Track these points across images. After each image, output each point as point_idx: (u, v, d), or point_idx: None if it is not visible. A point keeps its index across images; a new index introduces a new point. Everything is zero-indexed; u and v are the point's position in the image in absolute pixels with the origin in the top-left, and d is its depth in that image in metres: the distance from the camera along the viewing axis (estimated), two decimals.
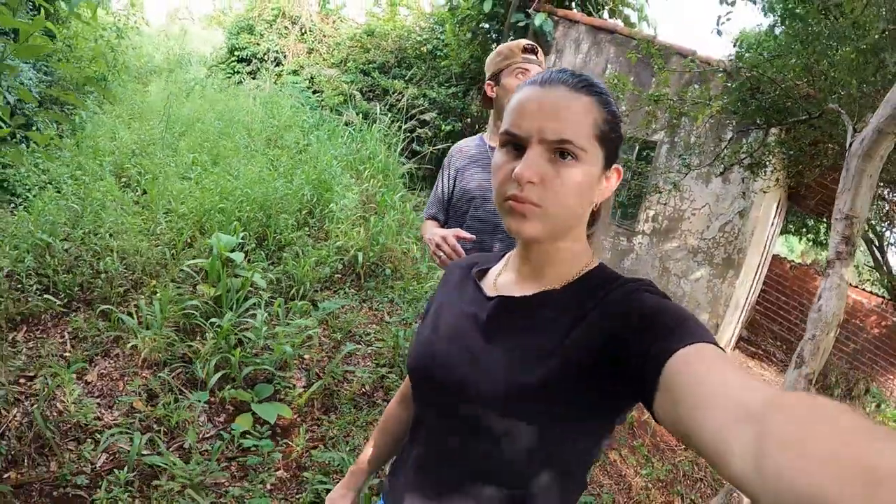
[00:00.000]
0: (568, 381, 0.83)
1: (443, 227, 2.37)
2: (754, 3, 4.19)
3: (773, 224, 7.53)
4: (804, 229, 9.80)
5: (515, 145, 0.91)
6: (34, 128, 4.58)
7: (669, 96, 4.69)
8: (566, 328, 0.88)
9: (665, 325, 0.75)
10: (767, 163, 4.81)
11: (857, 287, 9.25)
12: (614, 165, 0.96)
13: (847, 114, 3.44)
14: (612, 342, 0.80)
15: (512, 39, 7.51)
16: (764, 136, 4.62)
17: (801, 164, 5.01)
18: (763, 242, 6.93)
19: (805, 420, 0.49)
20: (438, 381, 0.98)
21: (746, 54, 5.23)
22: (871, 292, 9.21)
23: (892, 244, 7.59)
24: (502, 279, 1.06)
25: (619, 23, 8.00)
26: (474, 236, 2.04)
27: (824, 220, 9.15)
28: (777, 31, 5.00)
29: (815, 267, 10.02)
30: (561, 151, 0.87)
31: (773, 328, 10.07)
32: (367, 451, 1.31)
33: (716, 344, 0.71)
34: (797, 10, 4.13)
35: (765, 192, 5.45)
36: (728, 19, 3.69)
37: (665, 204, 5.90)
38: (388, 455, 1.32)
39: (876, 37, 3.34)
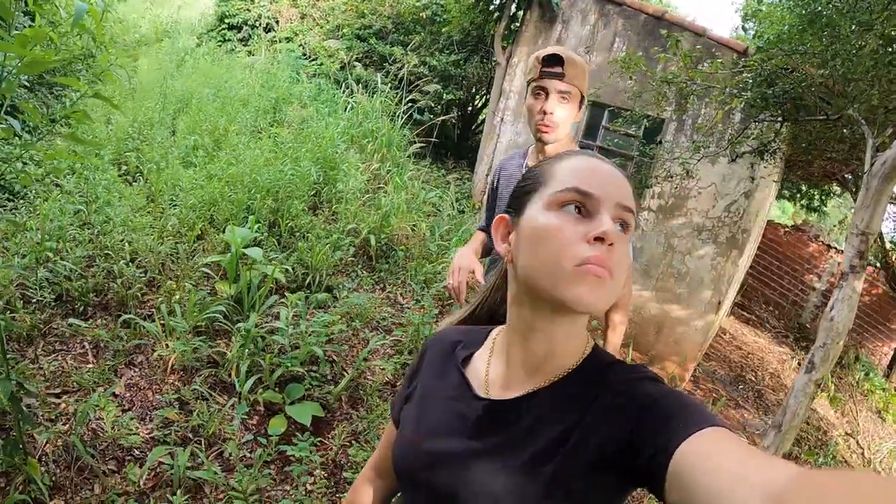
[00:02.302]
0: (565, 490, 0.79)
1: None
2: None
3: (772, 196, 7.63)
4: (798, 194, 9.88)
5: (578, 207, 0.83)
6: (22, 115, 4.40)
7: (679, 76, 4.67)
8: (563, 434, 0.82)
9: (669, 415, 0.73)
10: (777, 150, 4.85)
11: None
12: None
13: (866, 122, 3.48)
14: (616, 435, 0.77)
15: (515, 8, 7.42)
16: (777, 126, 4.64)
17: (811, 156, 5.07)
18: (764, 219, 7.01)
19: (825, 498, 0.47)
20: (426, 486, 0.93)
21: (760, 43, 5.21)
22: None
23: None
24: (493, 372, 0.97)
25: None
26: (482, 281, 1.98)
27: (819, 187, 9.20)
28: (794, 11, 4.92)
29: (807, 230, 10.14)
30: (622, 222, 0.83)
31: (766, 293, 10.25)
32: None
33: (720, 424, 0.69)
34: None
35: (775, 181, 5.51)
36: (753, 15, 3.69)
37: (673, 183, 5.93)
38: None
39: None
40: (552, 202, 0.84)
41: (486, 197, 2.41)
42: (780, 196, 9.67)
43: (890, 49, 3.24)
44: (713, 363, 7.14)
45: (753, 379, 7.09)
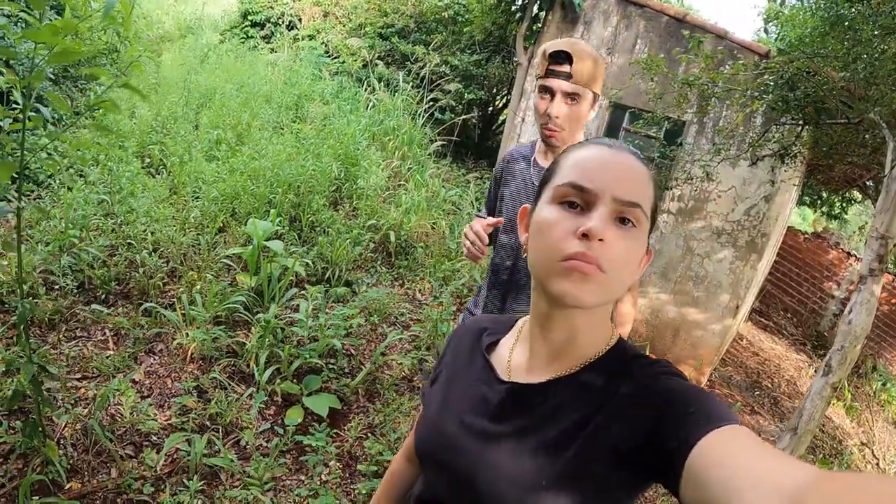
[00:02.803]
0: (585, 473, 0.80)
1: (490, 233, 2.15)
2: None
3: (792, 201, 7.56)
4: (819, 201, 9.78)
5: (573, 203, 0.85)
6: (48, 107, 4.45)
7: (701, 78, 4.66)
8: (584, 419, 0.83)
9: (688, 411, 0.73)
10: (798, 154, 4.82)
11: None
12: (648, 247, 0.90)
13: (888, 126, 3.46)
14: (636, 429, 0.77)
15: (538, 9, 7.42)
16: (798, 129, 4.62)
17: (832, 160, 5.03)
18: (784, 223, 6.96)
19: (841, 500, 0.47)
20: (446, 464, 0.95)
21: (782, 45, 5.18)
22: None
23: None
24: (516, 358, 0.99)
25: None
26: (501, 220, 1.85)
27: (840, 194, 9.10)
28: (816, 15, 4.89)
29: (827, 238, 10.04)
30: (623, 217, 0.83)
31: (785, 299, 10.15)
32: None
33: (737, 422, 0.69)
34: None
35: (794, 185, 5.47)
36: (774, 17, 3.69)
37: (693, 186, 5.90)
38: None
39: None
40: (554, 196, 0.87)
41: (489, 185, 2.27)
42: (800, 202, 9.58)
43: None
44: (729, 368, 7.10)
45: (769, 385, 7.04)
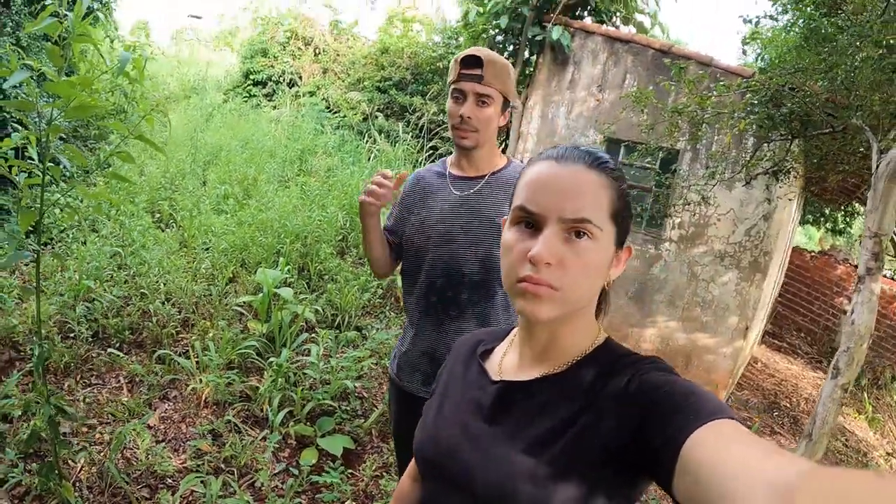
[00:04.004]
0: (576, 467, 0.81)
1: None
2: (774, 19, 4.27)
3: (793, 219, 7.60)
4: (822, 218, 9.83)
5: (528, 223, 0.88)
6: (59, 165, 4.61)
7: (689, 105, 4.79)
8: (572, 414, 0.85)
9: (677, 405, 0.73)
10: (791, 169, 4.92)
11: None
12: (626, 244, 0.93)
13: (870, 129, 3.56)
14: (624, 427, 0.78)
15: (528, 54, 7.64)
16: (788, 145, 4.72)
17: (824, 171, 5.13)
18: (786, 240, 7.01)
19: (833, 497, 0.48)
20: (444, 468, 0.97)
21: (763, 63, 5.34)
22: (892, 278, 9.24)
23: None
24: (507, 361, 1.02)
25: (633, 30, 8.09)
26: (406, 173, 1.87)
27: (842, 208, 9.15)
28: (792, 31, 5.04)
29: (834, 255, 10.04)
30: (577, 231, 0.84)
31: (797, 319, 10.11)
32: None
33: (731, 416, 0.69)
34: (807, 9, 4.20)
35: (790, 199, 5.55)
36: (752, 39, 3.84)
37: (692, 212, 5.99)
38: None
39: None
40: (512, 218, 0.92)
41: (392, 209, 2.18)
42: (803, 221, 9.62)
43: (887, 56, 3.32)
44: (746, 392, 7.05)
45: (788, 405, 6.98)
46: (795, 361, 8.81)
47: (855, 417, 7.18)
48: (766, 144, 4.88)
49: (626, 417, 0.78)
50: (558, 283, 0.84)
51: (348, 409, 3.86)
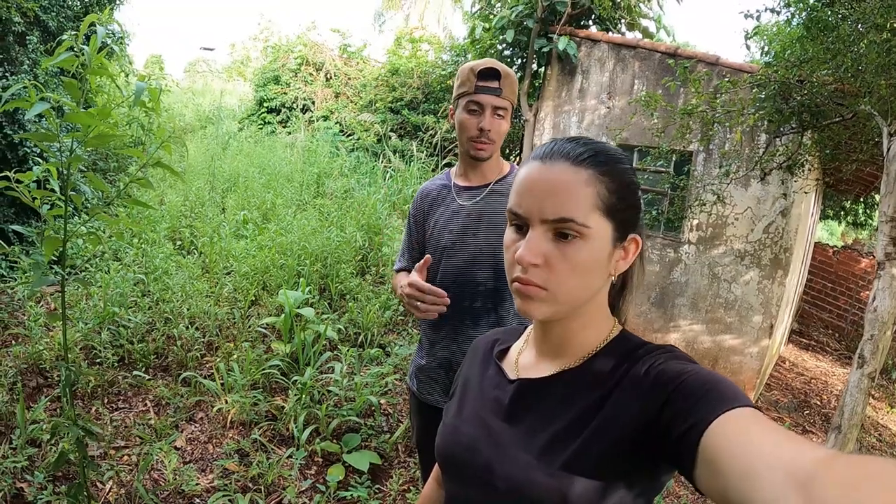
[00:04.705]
0: (595, 460, 0.81)
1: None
2: (776, 12, 4.25)
3: (812, 214, 7.53)
4: (842, 212, 9.72)
5: (518, 225, 0.89)
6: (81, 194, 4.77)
7: (699, 106, 4.79)
8: (590, 407, 0.85)
9: (696, 394, 0.72)
10: (805, 162, 4.89)
11: None
12: (631, 235, 0.91)
13: (880, 115, 3.54)
14: (643, 417, 0.78)
15: (536, 66, 7.71)
16: (800, 137, 4.70)
17: (838, 161, 5.09)
18: (806, 235, 6.94)
19: (852, 483, 0.48)
20: (466, 467, 0.97)
21: (769, 57, 5.32)
22: None
23: None
24: (523, 359, 1.03)
25: (638, 35, 8.13)
26: (429, 258, 1.73)
27: (861, 200, 9.05)
28: (794, 22, 5.01)
29: (857, 248, 9.92)
30: (562, 231, 0.84)
31: (823, 316, 9.98)
32: None
33: (750, 404, 0.69)
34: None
35: (806, 192, 5.52)
36: (755, 33, 3.84)
37: (709, 213, 5.96)
38: None
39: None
40: (508, 220, 0.93)
41: (407, 235, 2.19)
42: (824, 216, 9.51)
43: (891, 38, 3.30)
44: (775, 392, 6.96)
45: (819, 403, 6.87)
46: (824, 359, 8.68)
47: (888, 411, 7.05)
48: (777, 139, 4.87)
49: (644, 407, 0.78)
50: (546, 283, 0.85)
51: (374, 425, 3.86)
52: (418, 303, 1.69)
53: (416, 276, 1.70)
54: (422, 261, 1.70)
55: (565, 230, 0.84)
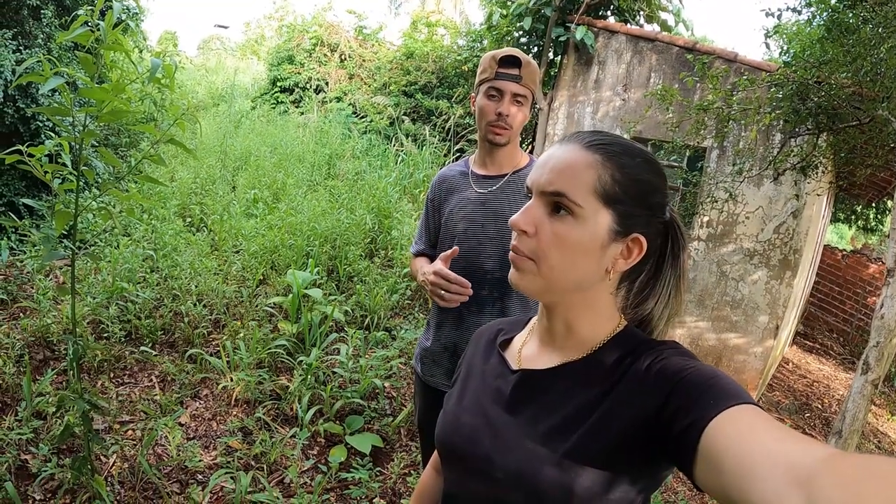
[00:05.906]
0: (596, 453, 0.81)
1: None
2: (797, 11, 4.22)
3: (823, 217, 7.48)
4: (853, 216, 9.66)
5: (530, 198, 0.92)
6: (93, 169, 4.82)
7: (715, 102, 4.76)
8: (592, 401, 0.85)
9: (698, 390, 0.72)
10: (819, 164, 4.86)
11: None
12: (635, 234, 0.88)
13: None
14: (644, 413, 0.78)
15: (552, 54, 7.65)
16: (815, 139, 4.67)
17: (852, 165, 5.06)
18: (816, 237, 6.91)
19: (854, 483, 0.48)
20: (465, 456, 0.97)
21: (788, 57, 5.27)
22: None
23: None
24: (527, 350, 1.03)
25: (657, 28, 8.06)
26: (456, 249, 1.76)
27: (873, 206, 9.00)
28: (815, 22, 4.96)
29: (866, 253, 9.86)
30: (556, 205, 0.87)
31: (829, 320, 9.94)
32: None
33: (751, 401, 0.69)
34: (831, 0, 4.15)
35: (818, 194, 5.48)
36: (775, 32, 3.81)
37: (720, 210, 5.93)
38: None
39: None
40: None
41: (424, 219, 2.23)
42: (834, 219, 9.46)
43: None
44: (777, 393, 6.96)
45: (820, 406, 6.87)
46: (827, 362, 8.67)
47: (889, 419, 7.04)
48: (792, 139, 4.84)
49: (646, 402, 0.78)
50: (532, 253, 0.87)
51: (377, 407, 3.89)
52: (442, 291, 1.73)
53: (440, 265, 1.74)
54: (450, 251, 1.74)
55: (560, 204, 0.86)
